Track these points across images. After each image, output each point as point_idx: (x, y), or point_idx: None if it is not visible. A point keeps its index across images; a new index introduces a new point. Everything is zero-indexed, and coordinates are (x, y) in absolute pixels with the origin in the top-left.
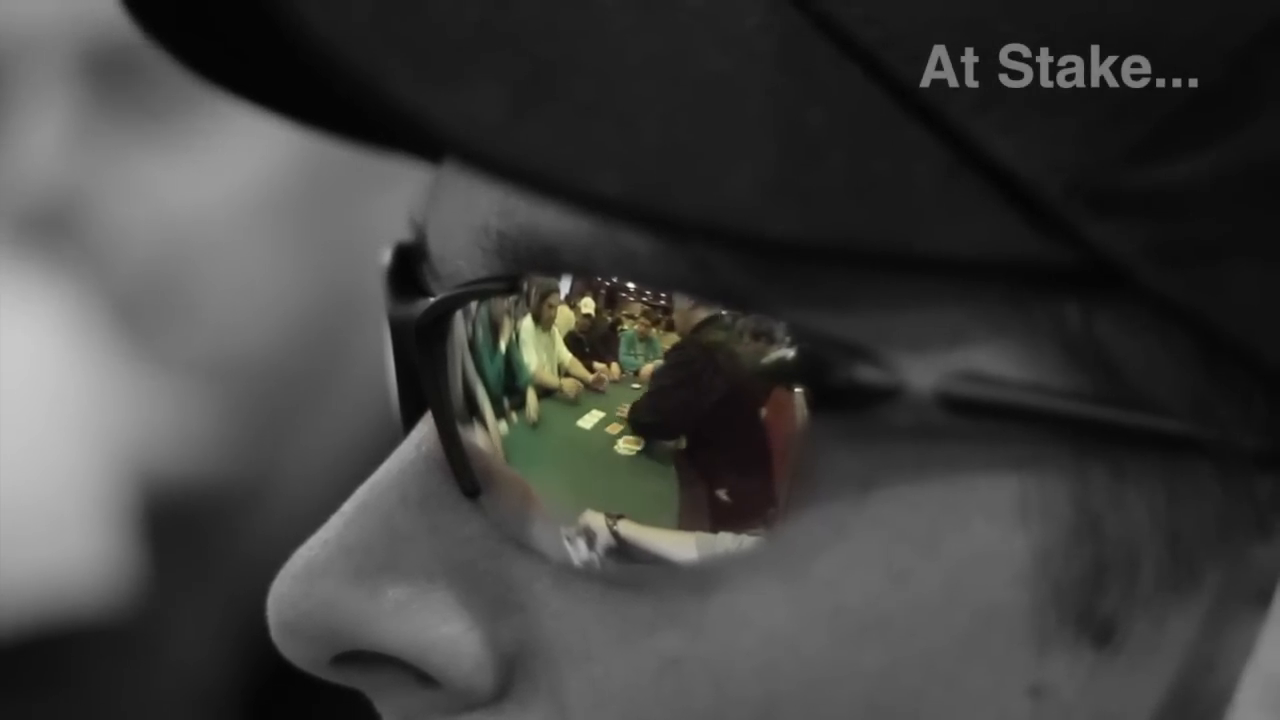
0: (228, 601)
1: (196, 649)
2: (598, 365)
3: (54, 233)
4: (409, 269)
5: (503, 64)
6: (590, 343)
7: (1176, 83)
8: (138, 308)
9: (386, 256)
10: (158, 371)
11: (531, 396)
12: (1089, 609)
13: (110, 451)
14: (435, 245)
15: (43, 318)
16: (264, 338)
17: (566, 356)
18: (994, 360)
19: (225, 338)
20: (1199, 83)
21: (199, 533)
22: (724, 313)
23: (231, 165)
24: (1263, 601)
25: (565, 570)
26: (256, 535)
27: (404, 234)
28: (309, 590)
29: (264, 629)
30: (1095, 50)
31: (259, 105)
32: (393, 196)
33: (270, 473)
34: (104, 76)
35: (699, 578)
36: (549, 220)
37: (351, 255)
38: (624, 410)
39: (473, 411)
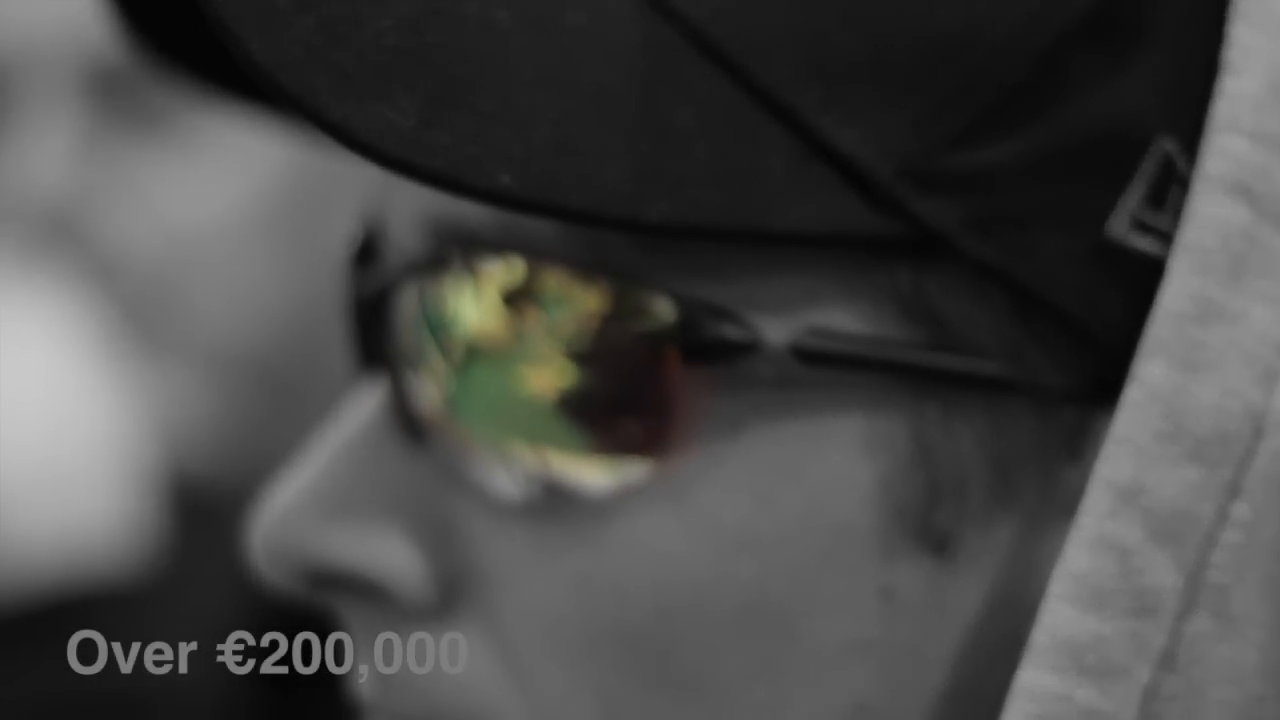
0: (235, 565)
1: (209, 607)
2: (521, 326)
3: (60, 238)
4: (369, 248)
5: (414, 81)
6: (515, 307)
7: (990, 80)
8: (140, 308)
9: (357, 236)
10: (160, 364)
11: (468, 354)
12: (926, 523)
13: (124, 430)
14: (389, 228)
15: (55, 314)
16: (258, 335)
17: (496, 320)
18: (841, 318)
19: (222, 335)
20: (1009, 80)
21: (208, 502)
22: (617, 283)
23: (228, 176)
24: (1072, 513)
25: (497, 503)
26: (256, 502)
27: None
28: (284, 529)
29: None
30: (922, 54)
31: (250, 103)
32: None
33: (264, 455)
34: (107, 92)
35: (603, 506)
36: (469, 209)
37: (339, 260)
38: (543, 365)
39: (419, 368)
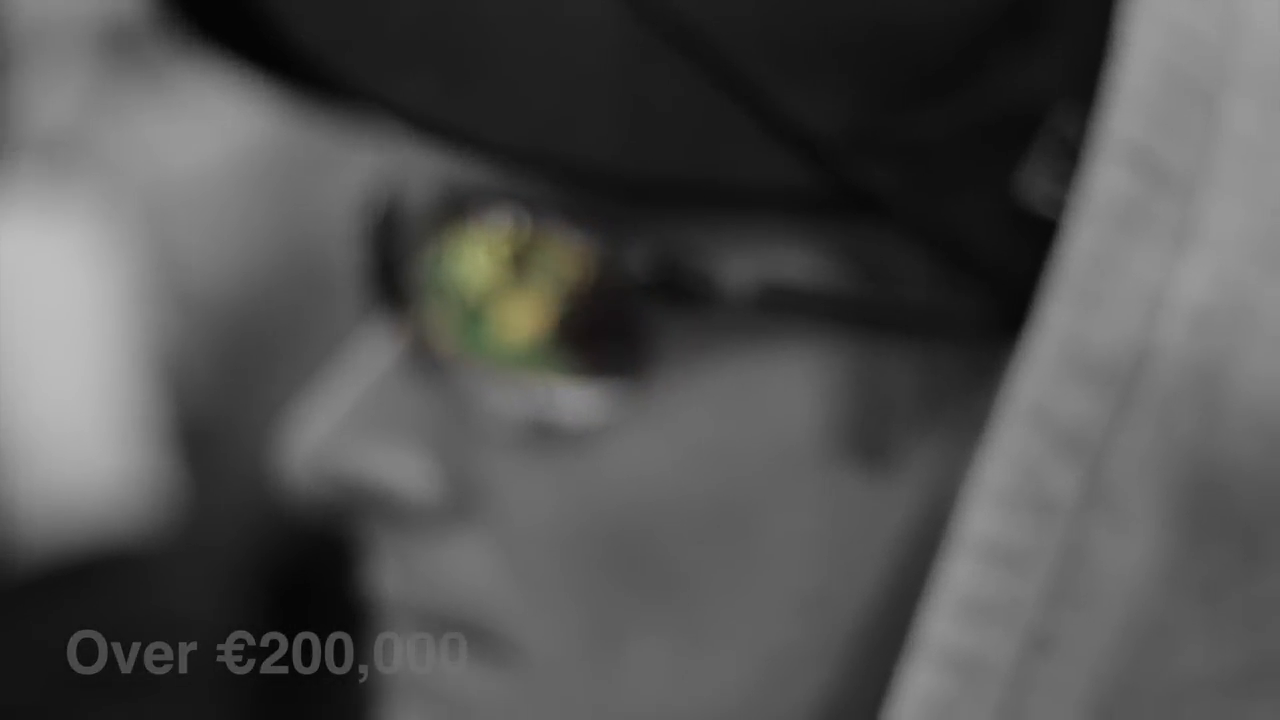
0: (244, 500)
1: (222, 541)
2: (524, 271)
3: (70, 170)
4: (391, 209)
5: (434, 64)
6: (520, 255)
7: (920, 65)
8: (131, 244)
9: (380, 198)
10: (151, 306)
11: (478, 297)
12: (863, 439)
13: (131, 366)
14: (408, 189)
15: (66, 234)
16: (234, 281)
17: (503, 266)
18: (795, 263)
19: (200, 278)
20: (936, 64)
21: (210, 443)
22: (604, 233)
23: (220, 134)
24: (987, 430)
25: (502, 427)
26: (240, 450)
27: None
28: (325, 448)
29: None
30: (867, 44)
31: (252, 69)
32: (355, 176)
33: (242, 398)
34: (115, 52)
35: (593, 428)
36: (479, 172)
37: (316, 222)
38: (542, 304)
39: (435, 309)
